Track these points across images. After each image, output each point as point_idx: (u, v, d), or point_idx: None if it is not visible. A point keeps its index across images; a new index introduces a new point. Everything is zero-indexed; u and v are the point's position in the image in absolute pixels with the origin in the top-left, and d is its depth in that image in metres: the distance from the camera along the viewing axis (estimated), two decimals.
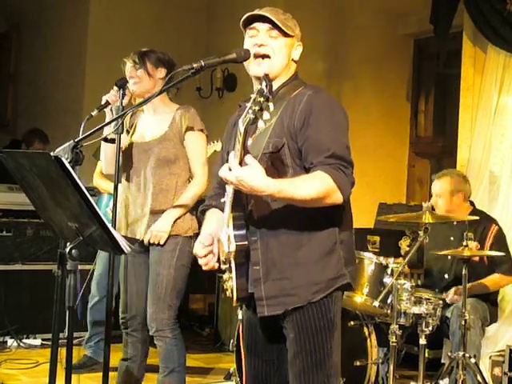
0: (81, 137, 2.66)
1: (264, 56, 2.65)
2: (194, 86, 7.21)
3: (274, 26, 2.64)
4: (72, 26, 7.40)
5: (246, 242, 2.54)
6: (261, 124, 2.35)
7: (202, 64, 2.76)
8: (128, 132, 3.72)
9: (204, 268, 2.63)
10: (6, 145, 6.94)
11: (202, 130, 3.72)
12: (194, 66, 2.77)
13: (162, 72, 3.69)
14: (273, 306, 2.58)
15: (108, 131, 3.48)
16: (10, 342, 5.51)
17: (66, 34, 7.47)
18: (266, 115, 2.33)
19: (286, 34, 2.66)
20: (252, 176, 2.33)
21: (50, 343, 2.95)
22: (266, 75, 2.47)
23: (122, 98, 3.50)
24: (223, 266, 2.62)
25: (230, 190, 2.51)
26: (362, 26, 6.87)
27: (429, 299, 4.14)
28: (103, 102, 3.59)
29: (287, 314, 2.58)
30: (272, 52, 2.65)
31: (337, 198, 2.45)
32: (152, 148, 3.65)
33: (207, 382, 4.94)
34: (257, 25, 2.67)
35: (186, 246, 3.67)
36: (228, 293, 2.63)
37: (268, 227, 2.56)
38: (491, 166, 5.62)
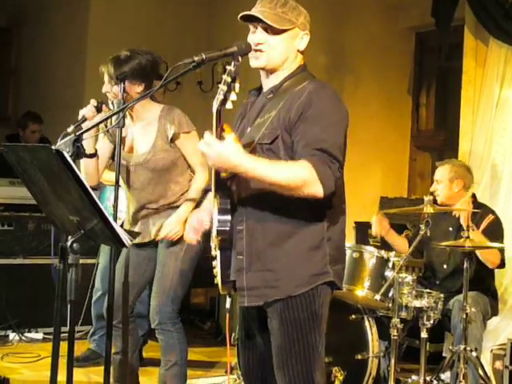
0: (82, 131, 2.66)
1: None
2: (195, 79, 7.19)
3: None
4: (73, 21, 7.38)
5: (227, 228, 2.55)
6: (228, 105, 2.43)
7: (203, 57, 2.76)
8: (92, 156, 3.57)
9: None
10: (4, 140, 6.94)
11: (189, 132, 3.67)
12: (195, 59, 2.77)
13: (139, 87, 3.58)
14: (253, 297, 2.59)
15: (87, 147, 3.46)
16: (12, 335, 5.52)
17: (67, 29, 7.46)
18: (232, 96, 2.42)
19: (283, 30, 2.63)
20: (227, 151, 2.37)
21: (51, 337, 2.95)
22: (236, 57, 2.51)
23: (123, 91, 3.48)
24: (213, 253, 2.64)
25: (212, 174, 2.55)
26: (363, 18, 6.86)
27: (430, 293, 4.14)
28: (80, 117, 3.45)
29: (270, 305, 2.58)
30: (268, 48, 2.64)
31: (316, 190, 2.43)
32: (147, 161, 3.62)
33: (209, 375, 4.95)
34: (254, 23, 2.67)
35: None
36: (216, 280, 2.65)
37: (254, 218, 2.57)
38: (493, 159, 5.60)
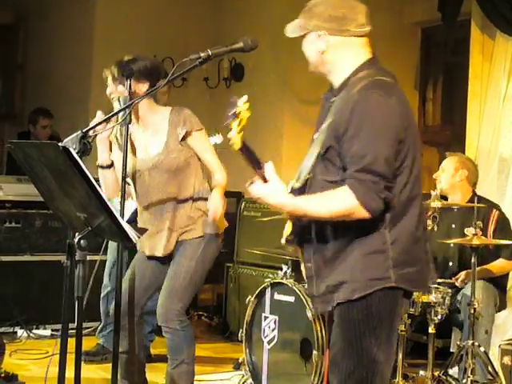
0: (89, 127, 2.66)
1: None
2: (201, 76, 7.19)
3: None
4: (79, 17, 7.39)
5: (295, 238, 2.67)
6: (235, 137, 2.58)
7: (209, 53, 2.76)
8: (109, 166, 3.56)
9: None
10: (15, 136, 6.95)
11: (200, 129, 3.67)
12: (201, 55, 2.77)
13: (144, 85, 3.57)
14: (323, 304, 2.64)
15: (101, 160, 3.48)
16: (20, 332, 5.53)
17: (74, 25, 7.46)
18: (235, 125, 2.58)
19: (301, 36, 2.68)
20: (268, 194, 2.51)
21: (59, 333, 2.95)
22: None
23: (130, 87, 3.47)
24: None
25: None
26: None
27: (438, 288, 4.14)
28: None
29: (334, 309, 2.60)
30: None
31: (361, 214, 2.45)
32: (161, 162, 3.60)
33: (216, 371, 4.95)
34: None
35: (213, 243, 3.67)
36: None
37: (319, 226, 2.59)
38: (500, 154, 5.59)
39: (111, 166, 3.55)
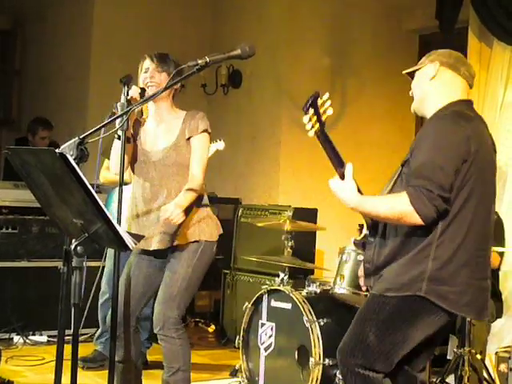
0: (86, 133, 2.66)
1: None
2: (198, 82, 7.20)
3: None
4: (77, 22, 7.40)
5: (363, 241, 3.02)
6: (313, 131, 2.76)
7: (207, 60, 2.77)
8: (129, 140, 3.56)
9: None
10: (12, 142, 6.94)
11: (208, 133, 3.68)
12: (199, 62, 2.78)
13: (177, 84, 3.59)
14: None
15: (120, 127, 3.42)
16: (16, 338, 5.51)
17: (71, 30, 7.47)
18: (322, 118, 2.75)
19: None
20: (340, 189, 2.79)
21: (55, 340, 2.95)
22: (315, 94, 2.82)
23: (127, 94, 3.47)
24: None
25: None
26: (366, 21, 6.86)
27: None
28: (125, 98, 3.39)
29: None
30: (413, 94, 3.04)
31: (414, 220, 2.66)
32: (169, 156, 3.61)
33: (213, 378, 4.94)
34: None
35: (208, 249, 3.66)
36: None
37: (381, 233, 2.87)
38: (497, 161, 5.58)
39: (129, 139, 3.54)
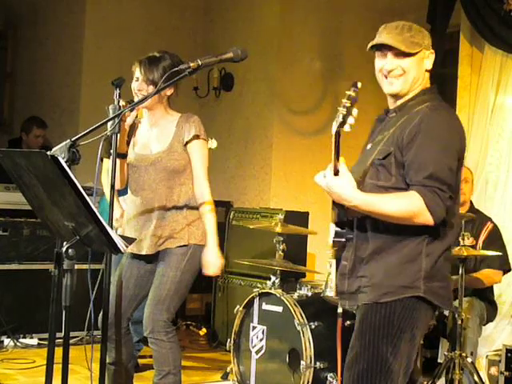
0: (77, 136, 2.66)
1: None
2: (190, 85, 7.20)
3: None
4: (68, 24, 7.38)
5: (343, 240, 2.73)
6: (347, 128, 2.54)
7: (199, 63, 2.77)
8: (123, 156, 3.58)
9: None
10: (3, 144, 6.92)
11: (204, 139, 3.69)
12: (191, 65, 2.78)
13: (170, 90, 3.61)
14: (350, 301, 2.74)
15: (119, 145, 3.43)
16: (7, 341, 5.50)
17: (63, 32, 7.46)
18: (350, 120, 2.54)
19: (414, 53, 2.73)
20: (340, 186, 2.56)
21: (46, 343, 2.94)
22: (355, 83, 2.64)
23: (119, 96, 3.46)
24: (328, 260, 2.80)
25: None
26: (358, 25, 6.87)
27: None
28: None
29: (358, 309, 2.71)
30: (402, 72, 2.73)
31: (426, 219, 2.54)
32: (160, 160, 3.60)
33: (204, 381, 4.94)
34: (383, 50, 2.76)
35: (198, 253, 3.64)
36: (330, 287, 2.81)
37: (360, 228, 2.69)
38: (488, 165, 5.62)
39: (126, 155, 3.56)
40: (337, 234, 2.73)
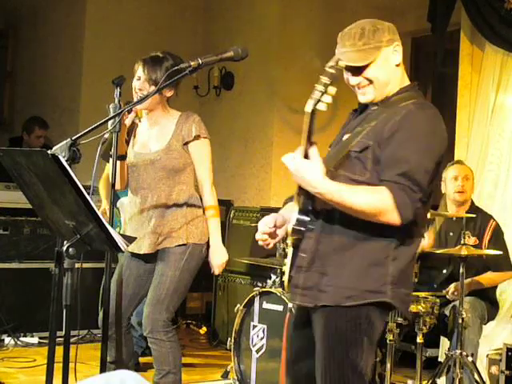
0: (78, 135, 2.66)
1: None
2: (191, 84, 7.20)
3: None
4: (68, 24, 7.38)
5: (303, 229, 2.55)
6: (320, 106, 2.41)
7: (200, 62, 2.77)
8: (123, 158, 3.61)
9: (260, 243, 2.67)
10: (3, 143, 6.92)
11: (205, 138, 3.69)
12: (192, 63, 2.77)
13: (171, 91, 3.62)
14: (306, 297, 2.57)
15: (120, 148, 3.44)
16: (8, 340, 5.50)
17: (63, 32, 7.45)
18: (326, 98, 2.40)
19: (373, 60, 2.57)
20: (308, 170, 2.42)
21: (47, 341, 2.94)
22: (337, 60, 2.47)
23: (120, 95, 3.46)
24: (286, 250, 2.66)
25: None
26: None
27: (426, 298, 4.14)
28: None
29: (317, 310, 2.55)
30: (368, 81, 2.59)
31: (392, 218, 2.40)
32: (159, 159, 3.61)
33: (204, 380, 4.94)
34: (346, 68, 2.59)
35: (197, 252, 3.65)
36: (283, 278, 2.66)
37: (326, 221, 2.54)
38: (488, 164, 5.62)
39: (124, 157, 3.58)
40: (298, 222, 2.55)
